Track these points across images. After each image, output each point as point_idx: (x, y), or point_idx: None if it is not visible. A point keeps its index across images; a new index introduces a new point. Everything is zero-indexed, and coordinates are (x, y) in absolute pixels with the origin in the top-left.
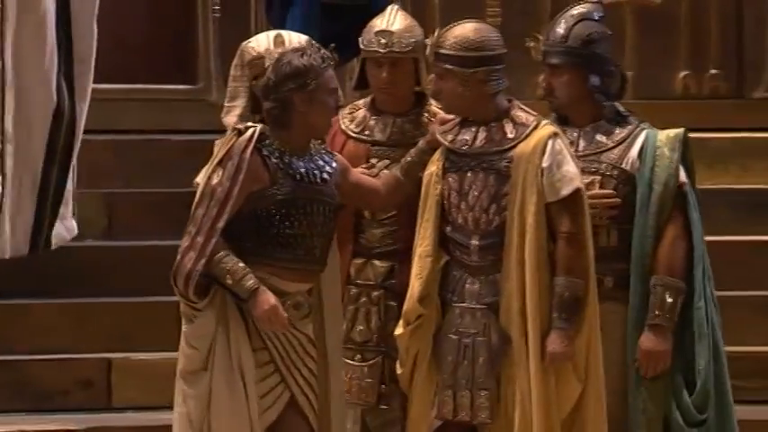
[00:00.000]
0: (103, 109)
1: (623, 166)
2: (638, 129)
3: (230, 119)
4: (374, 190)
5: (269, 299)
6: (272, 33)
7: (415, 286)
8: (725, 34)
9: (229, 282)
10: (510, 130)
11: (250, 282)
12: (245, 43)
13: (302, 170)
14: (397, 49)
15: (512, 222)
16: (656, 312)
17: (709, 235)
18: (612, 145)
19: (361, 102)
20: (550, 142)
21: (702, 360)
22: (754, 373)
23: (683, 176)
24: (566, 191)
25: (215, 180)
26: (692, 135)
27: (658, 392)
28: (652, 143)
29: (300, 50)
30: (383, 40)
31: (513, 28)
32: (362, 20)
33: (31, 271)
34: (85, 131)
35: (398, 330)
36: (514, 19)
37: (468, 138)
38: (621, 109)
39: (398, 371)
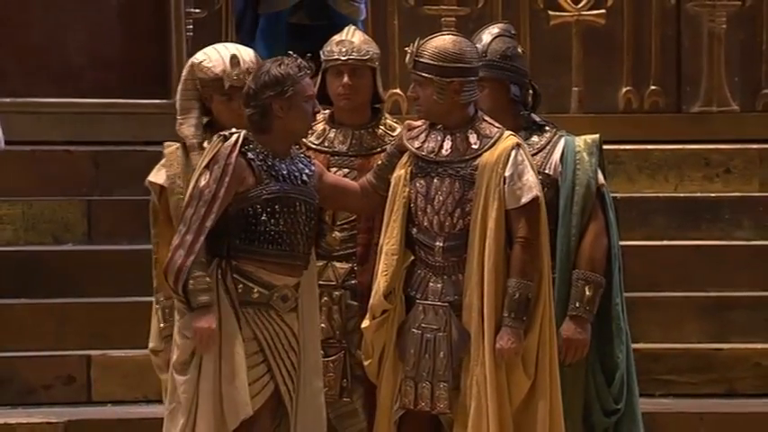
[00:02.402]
0: (83, 122)
1: (547, 171)
2: (557, 136)
3: (186, 130)
4: (353, 192)
5: (211, 321)
6: (224, 51)
7: (380, 282)
8: (664, 52)
9: (190, 286)
10: (474, 141)
11: (205, 298)
12: (196, 60)
13: (285, 171)
14: (357, 56)
15: (474, 226)
16: (576, 304)
17: (650, 240)
18: (534, 152)
19: (319, 116)
20: (513, 152)
21: (620, 353)
22: (691, 369)
23: (601, 178)
24: (525, 198)
25: (202, 182)
26: (634, 147)
27: (579, 382)
28: (571, 148)
29: (279, 60)
30: (344, 49)
31: None
32: (325, 39)
33: (16, 273)
34: (67, 143)
35: (365, 323)
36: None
37: (434, 146)
38: (538, 119)
39: (364, 362)
